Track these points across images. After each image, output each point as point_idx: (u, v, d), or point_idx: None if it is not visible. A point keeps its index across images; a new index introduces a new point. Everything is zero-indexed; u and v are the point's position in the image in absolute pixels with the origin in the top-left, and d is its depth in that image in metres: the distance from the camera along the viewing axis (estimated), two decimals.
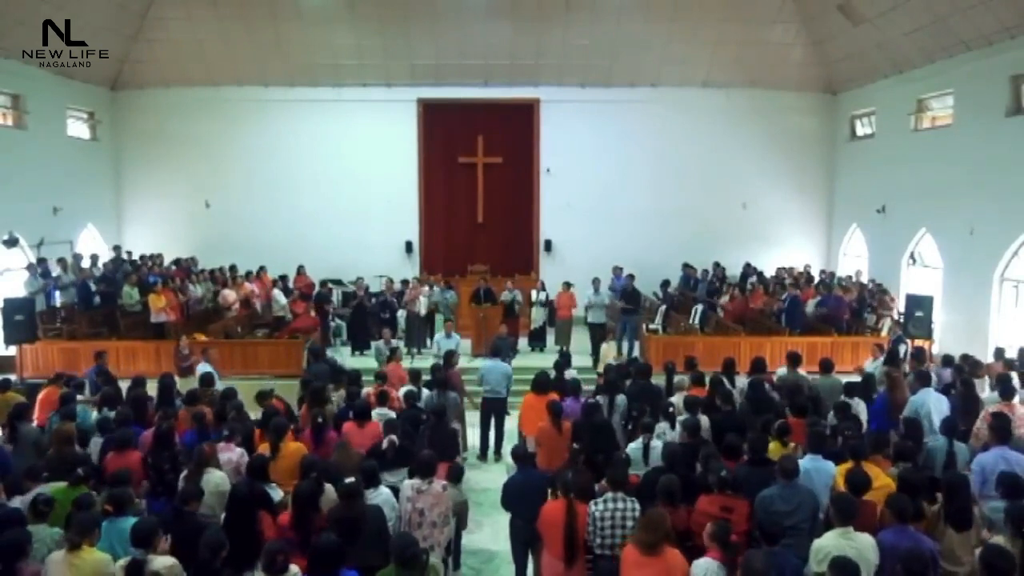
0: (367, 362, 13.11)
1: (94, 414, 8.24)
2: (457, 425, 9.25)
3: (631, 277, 15.61)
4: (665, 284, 18.02)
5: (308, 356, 11.65)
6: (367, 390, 9.28)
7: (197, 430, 7.32)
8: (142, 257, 17.35)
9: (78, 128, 18.04)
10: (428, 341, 15.49)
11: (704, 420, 7.68)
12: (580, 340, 15.20)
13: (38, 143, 15.97)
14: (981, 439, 7.25)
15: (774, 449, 6.75)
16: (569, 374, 9.85)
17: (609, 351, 12.90)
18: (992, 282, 13.63)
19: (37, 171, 15.84)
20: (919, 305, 13.37)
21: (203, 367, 10.18)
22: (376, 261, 18.61)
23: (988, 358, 11.19)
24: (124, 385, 9.12)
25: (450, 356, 10.45)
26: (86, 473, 6.16)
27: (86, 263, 15.60)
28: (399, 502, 6.23)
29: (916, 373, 8.77)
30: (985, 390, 9.40)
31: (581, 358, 13.92)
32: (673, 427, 7.53)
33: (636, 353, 14.24)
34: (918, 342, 12.88)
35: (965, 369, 9.68)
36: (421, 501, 6.18)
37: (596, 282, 15.07)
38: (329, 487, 6.00)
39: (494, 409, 10.58)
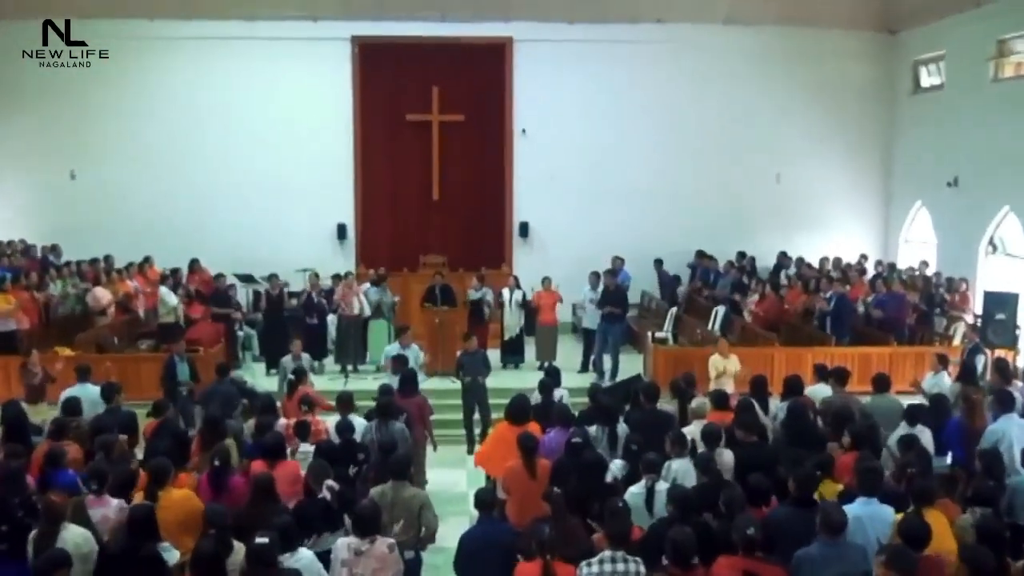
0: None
1: None
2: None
3: (619, 261, 15.62)
4: (671, 282, 18.10)
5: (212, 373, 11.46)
6: (282, 422, 9.20)
7: (49, 475, 7.18)
8: None
9: None
10: (367, 355, 15.39)
11: (727, 456, 7.68)
12: (568, 352, 15.14)
13: None
14: None
15: (827, 491, 6.82)
16: (559, 396, 9.83)
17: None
18: None
19: None
20: (1001, 305, 13.48)
21: (74, 391, 10.00)
22: (298, 251, 18.49)
23: None
24: None
25: (412, 378, 10.36)
26: None
27: None
28: (331, 567, 6.19)
29: (996, 394, 8.85)
30: None
31: (574, 377, 13.96)
32: (696, 466, 7.48)
33: (618, 370, 14.32)
34: (999, 352, 12.99)
35: None
36: (360, 566, 6.12)
37: (596, 277, 15.07)
38: (240, 546, 5.95)
39: (476, 396, 11.93)
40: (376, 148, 19.65)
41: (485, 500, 6.77)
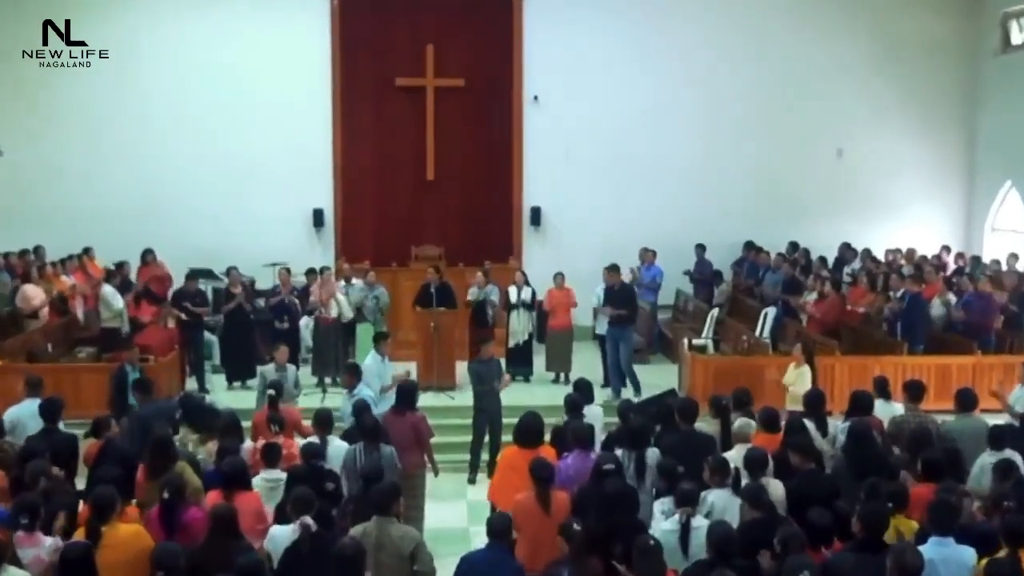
0: (250, 397, 12.99)
1: None
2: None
3: (650, 253, 15.57)
4: (709, 277, 18.00)
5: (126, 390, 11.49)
6: (249, 444, 9.18)
7: None
8: None
9: None
10: None
11: (776, 486, 7.65)
12: (586, 362, 15.16)
13: None
14: None
15: (899, 530, 6.78)
16: (592, 415, 9.89)
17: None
18: None
19: None
20: None
21: (19, 409, 10.03)
22: (267, 242, 18.52)
23: None
24: None
25: (410, 392, 10.39)
26: None
27: None
28: None
29: None
30: None
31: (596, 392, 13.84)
32: (743, 498, 7.45)
33: (631, 387, 14.35)
34: None
35: None
36: None
37: (626, 273, 15.08)
38: None
39: (491, 414, 12.08)
40: (359, 119, 19.60)
41: (498, 528, 6.83)
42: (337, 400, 13.25)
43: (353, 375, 11.26)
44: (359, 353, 15.20)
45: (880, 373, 13.01)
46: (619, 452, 8.58)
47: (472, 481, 11.82)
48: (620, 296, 14.52)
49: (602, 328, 15.01)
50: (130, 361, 12.01)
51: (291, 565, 6.84)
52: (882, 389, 10.31)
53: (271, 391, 10.60)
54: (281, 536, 7.12)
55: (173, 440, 8.57)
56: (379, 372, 11.83)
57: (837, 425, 9.54)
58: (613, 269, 14.81)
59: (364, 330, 15.33)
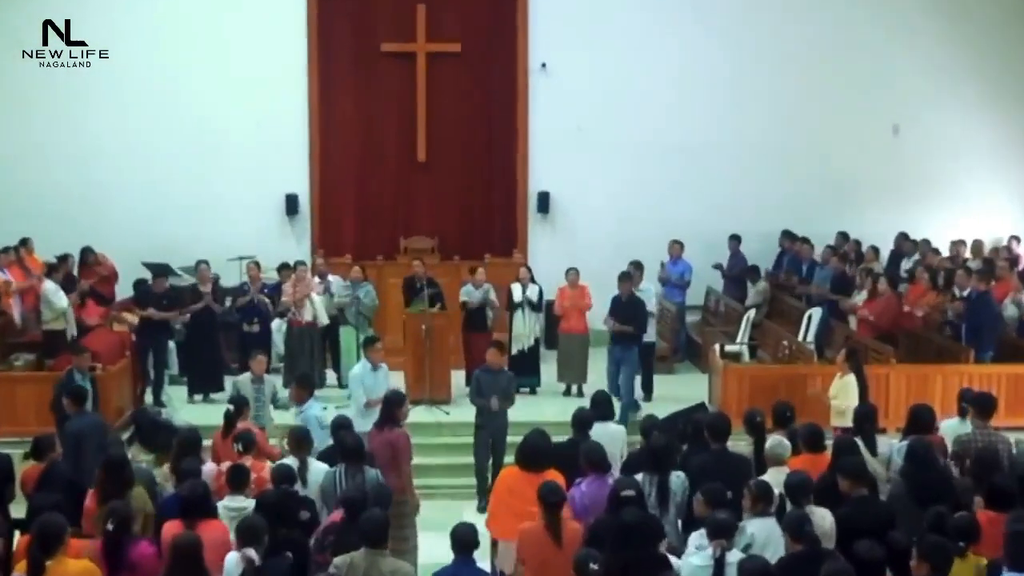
0: (216, 412, 12.96)
1: None
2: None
3: (678, 246, 15.60)
4: (742, 272, 17.98)
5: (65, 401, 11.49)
6: (211, 467, 9.19)
7: None
8: None
9: None
10: (327, 374, 15.45)
11: (823, 516, 7.67)
12: (603, 371, 15.11)
13: None
14: None
15: (966, 567, 6.80)
16: (611, 434, 9.90)
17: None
18: None
19: None
20: None
21: None
22: (232, 232, 18.54)
23: None
24: None
25: (397, 404, 10.39)
26: None
27: None
28: None
29: None
30: None
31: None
32: (785, 529, 7.48)
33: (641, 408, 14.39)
34: None
35: None
36: None
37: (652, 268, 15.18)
38: None
39: (496, 431, 12.02)
40: (339, 91, 19.61)
41: (464, 539, 7.01)
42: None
43: (303, 388, 11.32)
44: (343, 361, 15.27)
45: (943, 384, 13.13)
46: (640, 476, 8.62)
47: (482, 509, 11.58)
48: (627, 309, 14.50)
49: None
50: (79, 367, 12.01)
51: None
52: (974, 402, 10.06)
53: (229, 407, 10.69)
54: (229, 569, 7.18)
55: (128, 461, 8.56)
56: (369, 383, 11.88)
57: (893, 445, 9.55)
58: (624, 277, 14.83)
59: (347, 334, 15.37)
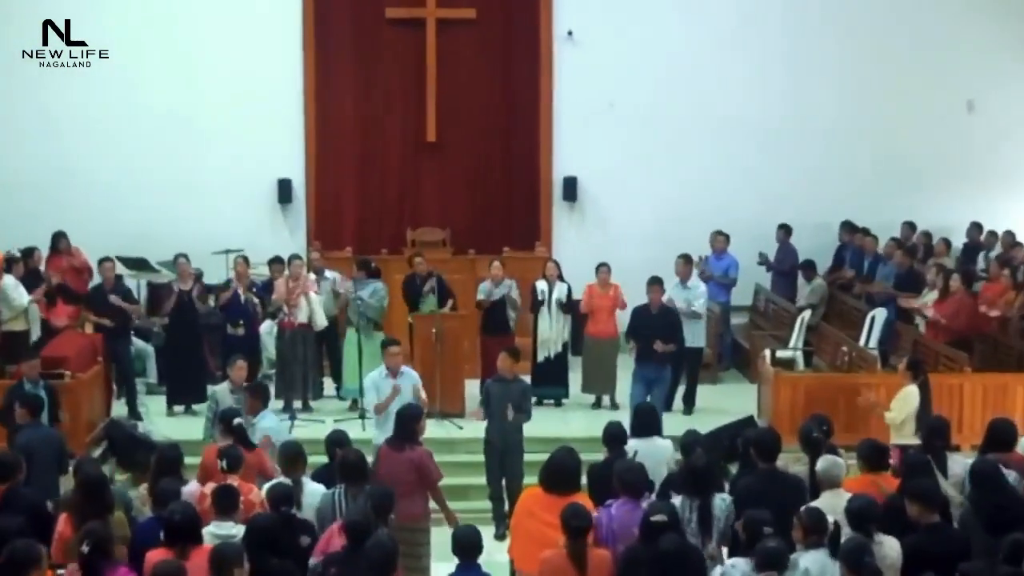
0: (199, 425, 13.10)
1: None
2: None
3: (722, 239, 15.67)
4: (792, 268, 17.97)
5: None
6: (194, 487, 9.20)
7: None
8: None
9: None
10: (326, 384, 15.57)
11: (890, 546, 7.67)
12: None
13: None
14: None
15: None
16: (657, 451, 9.96)
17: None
18: None
19: None
20: None
21: None
22: (217, 223, 18.61)
23: None
24: None
25: (413, 419, 10.42)
26: None
27: None
28: None
29: None
30: None
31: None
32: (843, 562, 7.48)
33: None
34: None
35: None
36: None
37: (695, 263, 15.31)
38: None
39: (510, 448, 12.03)
40: (338, 62, 19.66)
41: (467, 544, 7.20)
42: (306, 431, 13.38)
43: (257, 398, 11.33)
44: (346, 369, 15.31)
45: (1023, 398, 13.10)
46: (678, 500, 8.62)
47: (500, 536, 11.53)
48: (660, 322, 14.33)
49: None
50: (29, 376, 12.03)
51: None
52: None
53: (235, 420, 10.63)
54: None
55: (108, 481, 8.60)
56: (386, 392, 11.98)
57: (967, 464, 9.53)
58: (655, 282, 14.66)
59: (351, 338, 15.28)
